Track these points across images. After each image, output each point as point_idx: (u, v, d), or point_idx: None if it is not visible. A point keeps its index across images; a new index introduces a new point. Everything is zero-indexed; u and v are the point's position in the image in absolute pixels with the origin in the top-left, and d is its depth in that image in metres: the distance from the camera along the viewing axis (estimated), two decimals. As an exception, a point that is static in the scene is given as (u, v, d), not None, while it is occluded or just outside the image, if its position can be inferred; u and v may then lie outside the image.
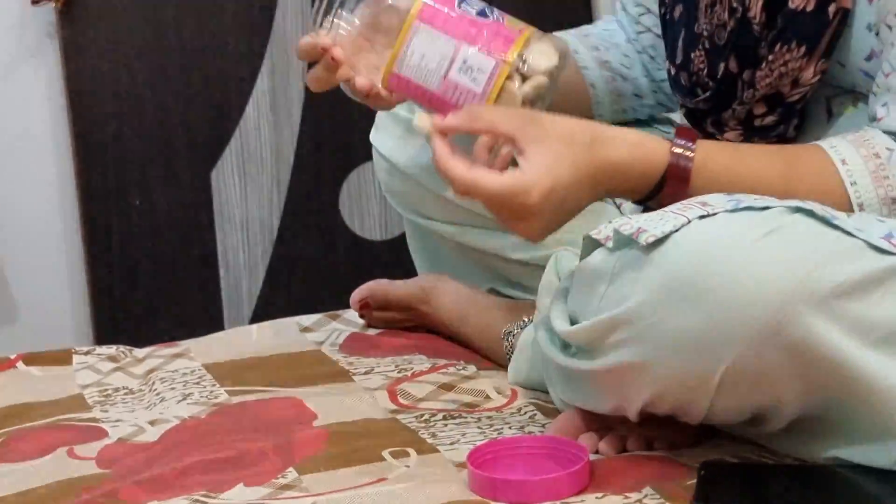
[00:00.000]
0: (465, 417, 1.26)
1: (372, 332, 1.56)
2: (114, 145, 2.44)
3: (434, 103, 1.27)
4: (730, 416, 1.09)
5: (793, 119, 1.32)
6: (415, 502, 1.05)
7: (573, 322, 1.11)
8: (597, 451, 1.15)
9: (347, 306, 1.61)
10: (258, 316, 2.49)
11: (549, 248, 1.38)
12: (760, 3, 1.29)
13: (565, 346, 1.13)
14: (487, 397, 1.32)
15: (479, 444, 1.14)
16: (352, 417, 1.26)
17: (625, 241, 1.06)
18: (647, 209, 1.26)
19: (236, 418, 1.29)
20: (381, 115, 1.53)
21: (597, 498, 1.04)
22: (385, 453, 1.15)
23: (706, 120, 1.36)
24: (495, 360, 1.42)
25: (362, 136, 1.56)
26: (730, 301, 0.99)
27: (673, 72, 1.41)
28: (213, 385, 1.40)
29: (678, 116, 1.51)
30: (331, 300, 1.65)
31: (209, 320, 2.48)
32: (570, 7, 2.50)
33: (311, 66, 1.31)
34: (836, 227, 1.05)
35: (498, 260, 1.49)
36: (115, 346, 1.55)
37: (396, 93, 1.30)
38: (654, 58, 1.53)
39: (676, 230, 1.02)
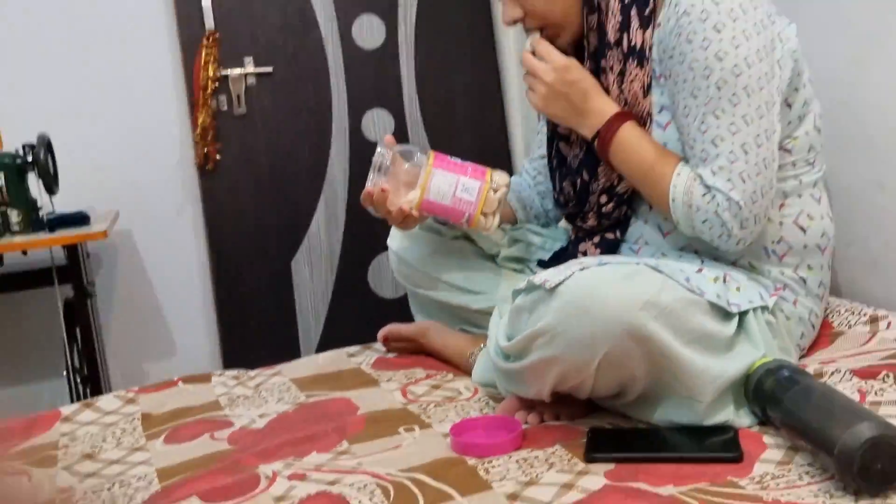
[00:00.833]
0: (447, 406, 1.27)
1: (391, 355, 1.56)
2: (233, 247, 2.48)
3: (449, 213, 1.31)
4: (605, 391, 1.10)
5: (622, 205, 1.29)
6: (418, 458, 1.07)
7: (510, 339, 1.12)
8: (526, 423, 1.16)
9: (376, 340, 1.61)
10: (322, 346, 2.51)
11: (493, 303, 1.39)
12: (582, 155, 1.29)
13: (506, 356, 1.14)
14: (460, 393, 1.34)
15: (456, 421, 1.17)
16: (380, 408, 1.28)
17: (536, 288, 1.07)
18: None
19: (310, 411, 1.29)
20: (394, 230, 1.48)
21: (528, 451, 1.07)
22: (400, 429, 1.18)
23: (576, 217, 1.35)
24: (465, 370, 1.41)
25: (381, 240, 1.57)
26: (602, 315, 1.01)
27: (556, 196, 1.41)
28: (297, 391, 1.40)
29: (562, 220, 1.53)
30: (367, 336, 1.64)
31: (292, 350, 2.52)
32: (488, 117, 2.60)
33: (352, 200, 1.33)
34: (665, 274, 1.07)
35: (464, 311, 1.48)
36: (236, 370, 1.56)
37: (426, 212, 1.32)
38: (543, 195, 1.53)
39: (568, 278, 1.03)
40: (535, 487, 0.98)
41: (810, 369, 1.23)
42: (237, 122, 2.43)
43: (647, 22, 1.21)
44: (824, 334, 1.38)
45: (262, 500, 1.01)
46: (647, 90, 1.22)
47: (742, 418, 1.10)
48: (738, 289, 1.18)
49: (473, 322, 1.49)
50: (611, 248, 1.32)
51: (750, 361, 1.11)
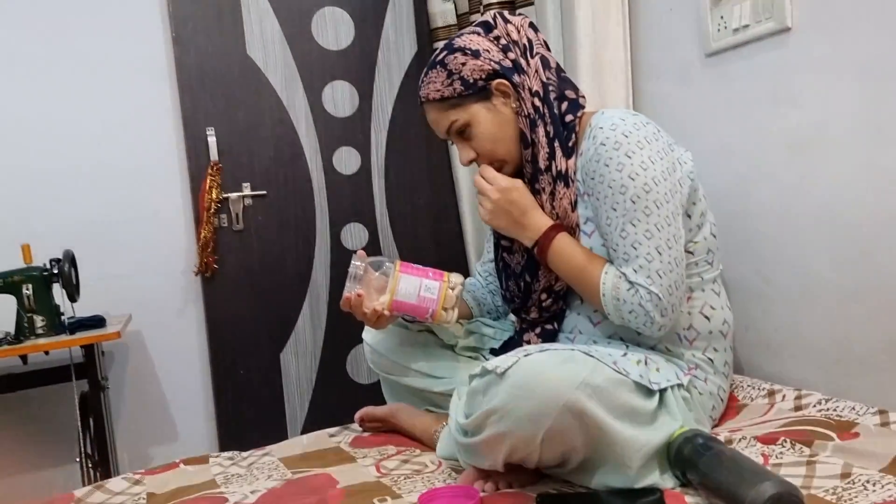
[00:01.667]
0: (416, 477, 1.25)
1: (366, 434, 1.53)
2: (230, 343, 2.44)
3: (415, 310, 1.30)
4: (550, 461, 1.08)
5: (559, 301, 1.30)
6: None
7: (467, 417, 1.10)
8: (484, 491, 1.13)
9: (353, 421, 1.58)
10: (307, 426, 2.45)
11: (453, 386, 1.36)
12: (524, 261, 1.31)
13: (464, 432, 1.12)
14: (427, 466, 1.31)
15: (423, 491, 1.13)
16: (357, 481, 1.24)
17: (488, 372, 1.06)
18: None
19: (296, 486, 1.25)
20: (367, 327, 1.47)
21: (484, 517, 1.02)
22: (375, 500, 1.14)
23: (520, 310, 1.36)
24: (431, 446, 1.39)
25: (358, 334, 1.55)
26: (544, 394, 1.00)
27: (503, 293, 1.42)
28: (284, 469, 1.36)
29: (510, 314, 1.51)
30: (346, 417, 1.60)
31: (281, 431, 2.45)
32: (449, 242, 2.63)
33: (337, 301, 1.32)
34: (595, 358, 1.07)
35: (428, 393, 1.46)
36: (231, 452, 1.52)
37: (396, 311, 1.31)
38: (494, 292, 1.54)
39: (514, 363, 1.03)
40: (492, 549, 0.94)
41: (721, 437, 1.24)
42: (235, 236, 2.43)
43: (570, 152, 1.26)
44: (731, 406, 1.39)
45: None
46: (574, 205, 1.26)
47: (666, 481, 1.09)
48: (657, 369, 1.19)
49: (437, 403, 1.47)
50: (550, 337, 1.33)
51: (670, 431, 1.10)
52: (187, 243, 2.41)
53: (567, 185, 1.25)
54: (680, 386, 1.20)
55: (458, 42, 1.27)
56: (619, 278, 1.17)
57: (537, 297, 1.32)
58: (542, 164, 1.26)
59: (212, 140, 2.36)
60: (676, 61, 1.70)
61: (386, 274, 1.32)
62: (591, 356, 1.08)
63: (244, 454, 1.49)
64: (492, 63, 1.25)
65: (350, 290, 1.31)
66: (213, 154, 2.37)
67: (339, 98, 2.52)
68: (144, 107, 2.35)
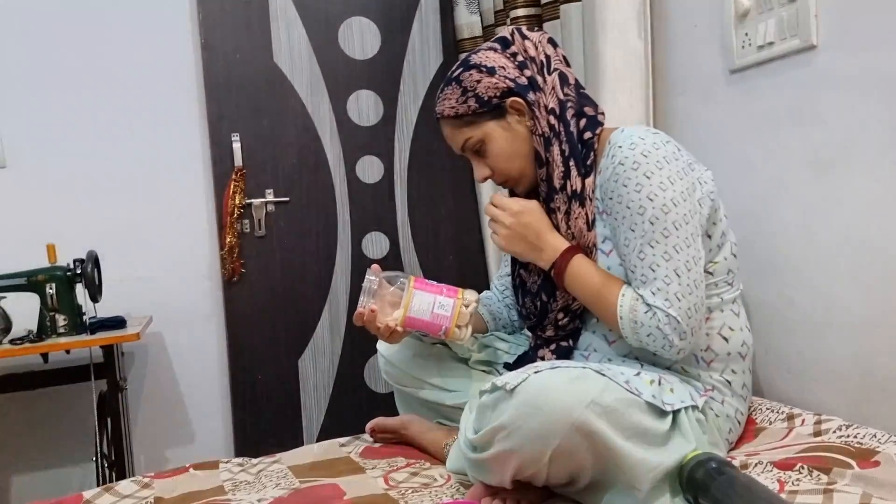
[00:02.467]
0: (423, 491, 1.24)
1: (377, 445, 1.53)
2: (249, 347, 2.44)
3: (428, 327, 1.30)
4: (558, 479, 1.06)
5: (576, 319, 1.29)
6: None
7: (476, 433, 1.09)
8: None
9: (364, 431, 1.58)
10: (324, 433, 2.46)
11: (466, 400, 1.36)
12: (540, 281, 1.30)
13: (473, 448, 1.10)
14: (435, 479, 1.30)
15: None
16: (364, 493, 1.23)
17: (498, 388, 1.05)
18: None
19: (303, 496, 1.24)
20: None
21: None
22: None
23: (536, 328, 1.35)
24: (441, 459, 1.38)
25: (375, 342, 1.53)
26: (553, 412, 0.98)
27: (519, 309, 1.42)
28: (292, 477, 1.36)
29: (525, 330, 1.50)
30: (364, 425, 1.59)
31: (297, 437, 2.45)
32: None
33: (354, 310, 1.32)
34: (607, 377, 1.05)
35: (440, 406, 1.45)
36: (241, 458, 1.51)
37: (409, 327, 1.30)
38: (510, 306, 1.53)
39: (524, 380, 1.02)
40: (495, 568, 0.93)
41: (737, 461, 1.21)
42: (258, 242, 2.45)
43: (588, 170, 1.24)
44: (749, 430, 1.36)
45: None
46: (591, 225, 1.24)
47: (677, 505, 1.06)
48: (671, 390, 1.16)
49: (448, 416, 1.46)
50: (565, 354, 1.31)
51: (683, 454, 1.08)
52: (210, 247, 2.43)
53: (582, 205, 1.23)
54: (695, 408, 1.18)
55: (474, 59, 1.27)
56: (637, 301, 1.15)
57: (553, 317, 1.31)
58: (556, 184, 1.25)
59: (236, 146, 2.39)
60: (700, 77, 1.68)
61: (401, 289, 1.31)
62: (603, 375, 1.07)
63: (254, 461, 1.49)
64: (507, 81, 1.24)
65: (364, 305, 1.31)
66: (238, 160, 2.39)
67: (364, 107, 2.53)
68: (171, 111, 2.38)
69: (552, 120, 1.24)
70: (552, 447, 1.00)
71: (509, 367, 1.40)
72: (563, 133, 1.24)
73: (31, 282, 1.98)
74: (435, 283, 1.33)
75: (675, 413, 1.14)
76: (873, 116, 1.27)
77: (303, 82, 2.47)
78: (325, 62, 2.49)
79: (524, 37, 1.28)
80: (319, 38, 2.48)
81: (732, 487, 0.98)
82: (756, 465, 1.17)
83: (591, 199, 1.23)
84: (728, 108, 1.60)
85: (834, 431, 1.27)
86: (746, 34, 1.52)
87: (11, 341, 1.93)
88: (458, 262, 2.61)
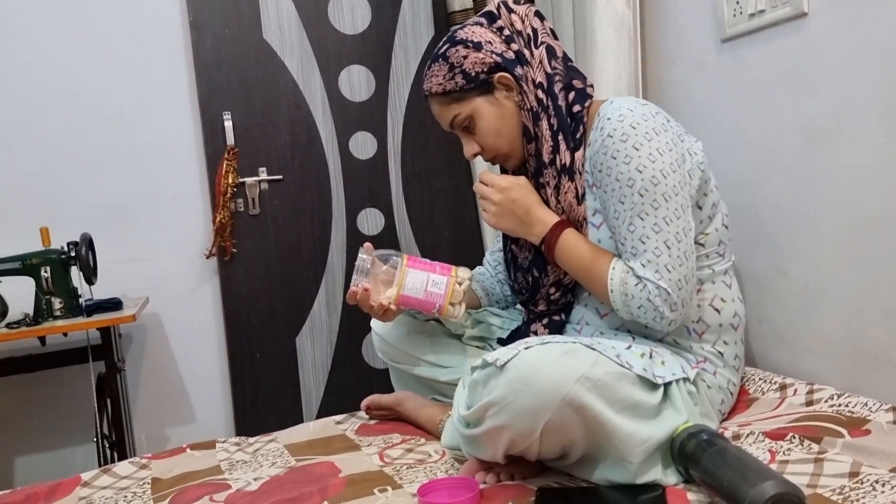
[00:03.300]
0: (418, 467, 1.24)
1: (372, 422, 1.53)
2: (246, 326, 2.45)
3: (422, 305, 1.30)
4: (549, 454, 1.07)
5: (568, 293, 1.29)
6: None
7: (469, 409, 1.08)
8: (485, 482, 1.12)
9: (359, 409, 1.58)
10: (323, 410, 2.47)
11: (459, 376, 1.36)
12: (532, 256, 1.30)
13: (466, 423, 1.10)
14: (430, 455, 1.30)
15: (423, 482, 1.13)
16: (359, 470, 1.23)
17: (489, 364, 1.04)
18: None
19: (298, 474, 1.25)
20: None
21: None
22: (375, 490, 1.14)
23: (529, 302, 1.34)
24: (436, 435, 1.38)
25: (369, 321, 1.54)
26: (543, 388, 0.98)
27: (511, 283, 1.42)
28: (289, 456, 1.36)
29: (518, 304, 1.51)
30: (360, 402, 1.59)
31: (296, 414, 2.46)
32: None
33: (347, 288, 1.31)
34: (598, 351, 1.05)
35: (435, 383, 1.46)
36: (238, 437, 1.51)
37: (402, 305, 1.30)
38: (503, 282, 1.51)
39: (514, 356, 1.01)
40: (488, 541, 0.92)
41: (730, 431, 1.22)
42: (252, 220, 2.44)
43: (577, 143, 1.23)
44: (742, 400, 1.36)
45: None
46: (580, 198, 1.23)
47: (669, 477, 1.07)
48: (662, 363, 1.16)
49: (443, 392, 1.46)
50: (557, 328, 1.31)
51: (674, 426, 1.08)
52: (205, 227, 2.42)
53: (572, 179, 1.22)
54: (686, 380, 1.18)
55: (461, 34, 1.25)
56: (627, 273, 1.15)
57: (545, 292, 1.30)
58: (545, 158, 1.23)
59: (228, 124, 2.36)
60: (691, 47, 1.65)
61: (394, 267, 1.30)
62: (594, 349, 1.06)
63: (250, 440, 1.49)
64: (494, 55, 1.22)
65: (357, 284, 1.30)
66: (230, 138, 2.37)
67: (356, 82, 2.51)
68: (161, 90, 2.35)
69: (540, 94, 1.23)
70: (543, 422, 1.00)
71: (503, 342, 1.40)
72: (551, 107, 1.23)
73: (25, 265, 1.98)
74: (428, 260, 1.33)
75: (667, 386, 1.14)
76: (865, 84, 1.26)
77: (293, 59, 2.44)
78: (316, 38, 2.46)
79: (510, 10, 1.26)
80: (309, 14, 2.45)
81: (723, 459, 0.99)
82: (748, 435, 1.18)
83: (580, 173, 1.22)
84: (719, 77, 1.58)
85: (826, 401, 1.27)
86: (738, 2, 1.49)
87: (8, 325, 1.93)
88: (453, 237, 2.60)
